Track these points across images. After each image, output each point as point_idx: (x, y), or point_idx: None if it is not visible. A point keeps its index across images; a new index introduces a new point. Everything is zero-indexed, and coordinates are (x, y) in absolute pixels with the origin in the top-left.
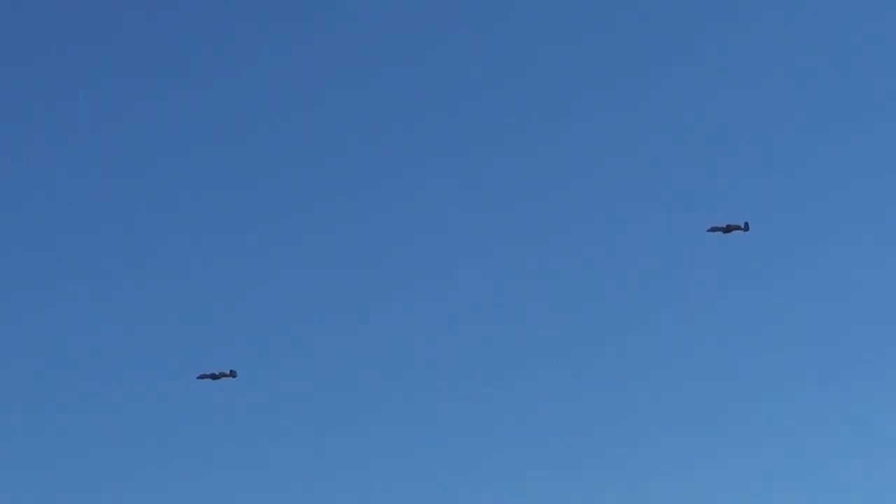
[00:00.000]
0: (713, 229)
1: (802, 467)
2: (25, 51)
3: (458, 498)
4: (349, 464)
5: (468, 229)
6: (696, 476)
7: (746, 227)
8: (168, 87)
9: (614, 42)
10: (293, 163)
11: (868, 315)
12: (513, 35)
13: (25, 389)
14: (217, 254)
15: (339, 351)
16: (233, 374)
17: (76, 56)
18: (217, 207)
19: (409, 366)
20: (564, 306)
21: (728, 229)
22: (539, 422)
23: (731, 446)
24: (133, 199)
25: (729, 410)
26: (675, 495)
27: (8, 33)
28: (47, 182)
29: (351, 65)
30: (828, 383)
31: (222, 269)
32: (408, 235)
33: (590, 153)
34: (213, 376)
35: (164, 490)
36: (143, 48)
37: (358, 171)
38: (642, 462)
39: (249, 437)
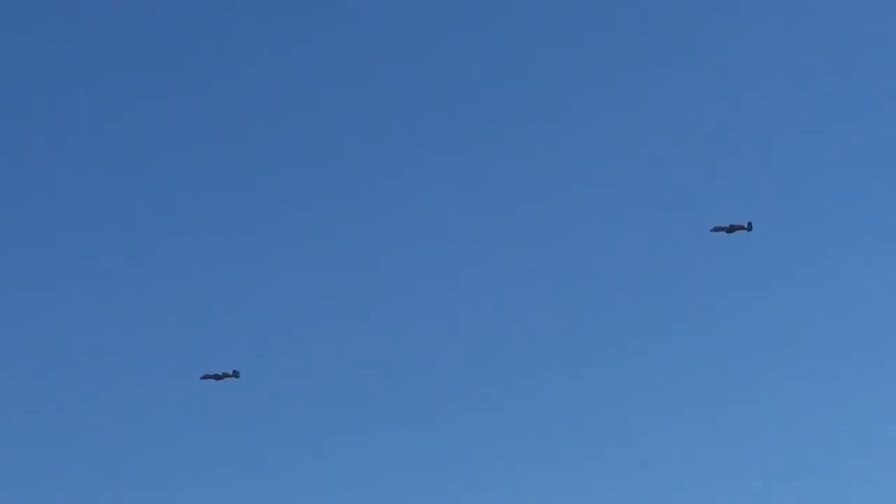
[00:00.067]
0: (716, 229)
1: (802, 467)
2: (25, 51)
3: (458, 498)
4: (349, 464)
5: (468, 229)
6: (696, 476)
7: (750, 227)
8: (168, 87)
9: (614, 42)
10: (293, 163)
11: (870, 315)
12: (513, 35)
13: (26, 389)
14: (217, 254)
15: (339, 351)
16: (236, 374)
17: (76, 56)
18: (217, 207)
19: (409, 366)
20: (564, 306)
21: (731, 229)
22: (539, 422)
23: (731, 446)
24: (133, 199)
25: (729, 410)
26: (675, 495)
27: (8, 33)
28: (47, 182)
29: (351, 65)
30: (829, 383)
31: (222, 269)
32: (408, 235)
33: (590, 153)
34: (217, 377)
35: (165, 490)
36: (143, 48)
37: (358, 171)
38: (642, 462)
39: (250, 437)
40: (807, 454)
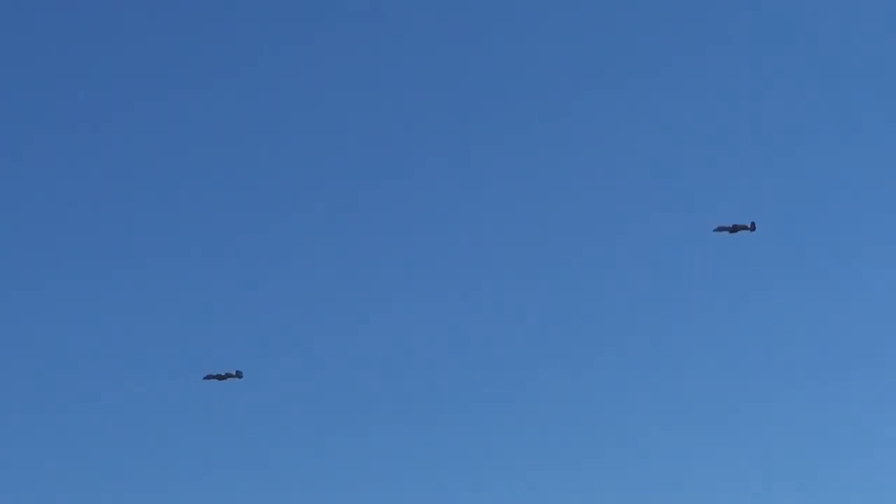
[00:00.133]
0: (719, 229)
1: (802, 467)
2: (25, 51)
3: (458, 498)
4: (350, 464)
5: (468, 229)
6: (696, 476)
7: (753, 227)
8: (168, 87)
9: (614, 42)
10: (293, 163)
11: (873, 316)
12: (513, 35)
13: (27, 389)
14: (219, 254)
15: (339, 351)
16: (239, 374)
17: (76, 56)
18: (218, 207)
19: (409, 366)
20: (564, 306)
21: (734, 229)
22: (539, 422)
23: (731, 446)
24: (133, 199)
25: (730, 411)
26: (675, 495)
27: (8, 33)
28: (47, 182)
29: (351, 65)
30: (831, 384)
31: (224, 270)
32: (408, 235)
33: (591, 153)
34: (220, 377)
35: (167, 490)
36: (143, 48)
37: (358, 171)
38: (642, 462)
39: (252, 437)
40: (807, 454)
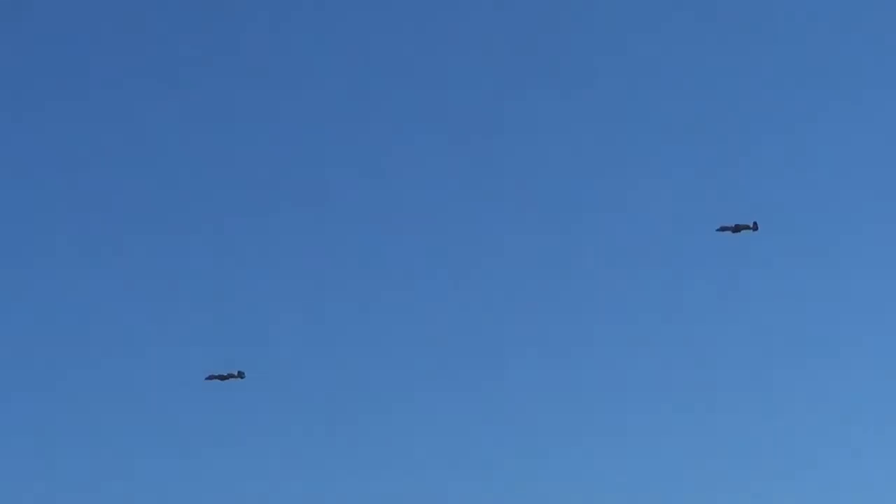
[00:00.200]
0: (722, 229)
1: (802, 467)
2: (25, 51)
3: (458, 498)
4: (351, 463)
5: (469, 228)
6: (696, 476)
7: (755, 227)
8: (168, 87)
9: (616, 42)
10: (293, 162)
11: (875, 316)
12: (513, 35)
13: (27, 389)
14: (221, 254)
15: (339, 351)
16: (241, 374)
17: (76, 56)
18: (219, 207)
19: (409, 365)
20: (564, 305)
21: (737, 229)
22: (538, 421)
23: (730, 446)
24: (133, 199)
25: (730, 411)
26: (675, 495)
27: (8, 33)
28: (47, 181)
29: (351, 65)
30: (832, 384)
31: (226, 270)
32: (408, 234)
33: (592, 152)
34: (222, 377)
35: (169, 490)
36: (143, 48)
37: (358, 171)
38: (641, 461)
39: (254, 437)
40: (807, 454)
